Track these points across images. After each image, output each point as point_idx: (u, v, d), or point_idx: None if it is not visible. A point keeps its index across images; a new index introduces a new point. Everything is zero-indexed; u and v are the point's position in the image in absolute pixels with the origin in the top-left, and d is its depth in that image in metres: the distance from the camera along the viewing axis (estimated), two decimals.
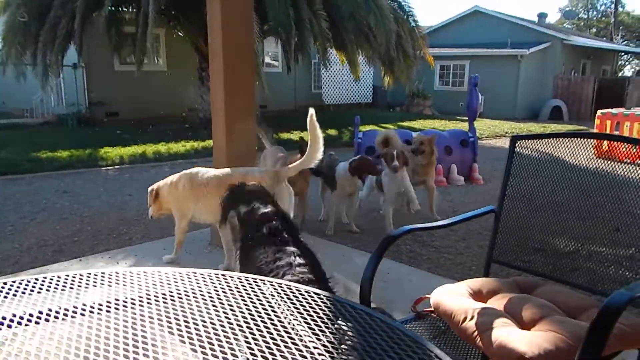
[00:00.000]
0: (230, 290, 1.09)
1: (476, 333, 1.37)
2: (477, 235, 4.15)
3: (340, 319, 0.98)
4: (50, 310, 0.97)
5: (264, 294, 1.08)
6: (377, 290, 1.70)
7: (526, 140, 1.92)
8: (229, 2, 3.35)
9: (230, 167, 3.16)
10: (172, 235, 3.48)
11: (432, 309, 1.63)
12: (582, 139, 1.81)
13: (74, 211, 4.90)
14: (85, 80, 12.34)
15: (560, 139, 1.85)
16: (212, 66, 3.49)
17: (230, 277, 1.16)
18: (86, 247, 3.82)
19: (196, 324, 0.93)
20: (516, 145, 1.91)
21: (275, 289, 1.12)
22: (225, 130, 3.46)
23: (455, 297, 1.58)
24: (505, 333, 1.31)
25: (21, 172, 6.69)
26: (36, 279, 1.05)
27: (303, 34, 9.56)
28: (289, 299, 1.06)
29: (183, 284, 1.12)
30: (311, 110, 2.78)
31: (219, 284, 1.13)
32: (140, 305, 0.98)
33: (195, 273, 1.18)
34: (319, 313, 0.99)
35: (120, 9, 9.58)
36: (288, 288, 1.12)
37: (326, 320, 0.96)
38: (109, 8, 8.73)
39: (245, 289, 1.10)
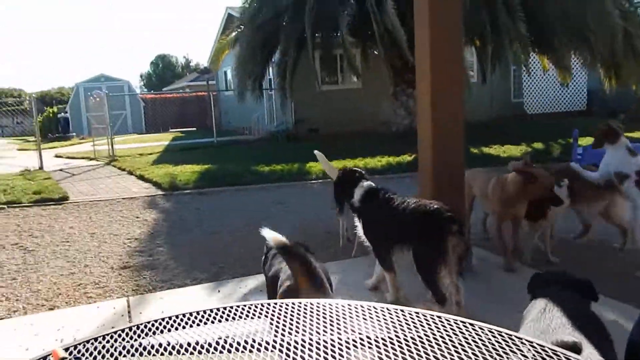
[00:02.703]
0: (484, 344, 0.97)
1: None
2: None
3: None
4: (294, 342, 1.02)
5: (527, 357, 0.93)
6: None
7: None
8: (438, 25, 3.31)
9: None
10: None
11: None
12: None
13: (288, 221, 5.50)
14: (292, 101, 13.98)
15: None
16: (419, 87, 3.49)
17: (481, 328, 1.04)
18: None
19: None
20: None
21: (537, 351, 0.95)
22: (432, 150, 3.39)
23: None
24: None
25: (244, 184, 7.90)
26: (283, 305, 1.13)
27: (500, 40, 8.90)
28: None
29: (423, 328, 1.05)
30: None
31: (469, 333, 1.02)
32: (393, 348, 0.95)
33: (436, 317, 1.10)
34: None
35: (320, 34, 10.79)
36: (554, 353, 0.95)
37: None
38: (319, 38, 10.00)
39: (501, 346, 0.97)
